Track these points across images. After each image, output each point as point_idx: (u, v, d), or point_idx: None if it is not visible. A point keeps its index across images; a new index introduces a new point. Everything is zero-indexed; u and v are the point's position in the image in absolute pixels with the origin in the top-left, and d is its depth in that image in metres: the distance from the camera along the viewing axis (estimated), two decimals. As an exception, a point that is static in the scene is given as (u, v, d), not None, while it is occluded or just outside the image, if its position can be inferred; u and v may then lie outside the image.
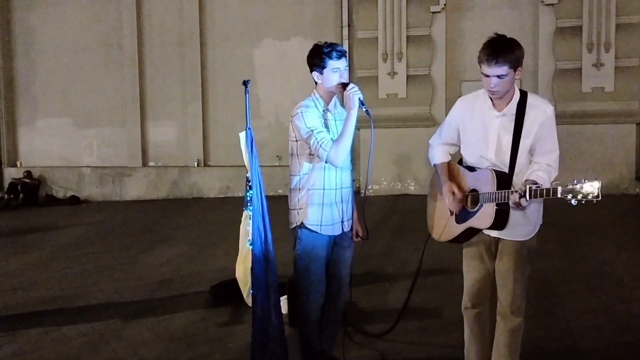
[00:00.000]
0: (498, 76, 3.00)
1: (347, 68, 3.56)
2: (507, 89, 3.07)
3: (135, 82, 12.28)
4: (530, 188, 2.87)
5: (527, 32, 10.57)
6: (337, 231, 3.61)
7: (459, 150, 3.41)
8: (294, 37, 11.37)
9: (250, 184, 3.60)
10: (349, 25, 11.18)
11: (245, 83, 3.60)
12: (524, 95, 3.13)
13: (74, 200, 12.42)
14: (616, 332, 4.40)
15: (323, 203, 3.54)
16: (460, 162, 3.42)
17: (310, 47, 3.57)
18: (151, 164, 12.50)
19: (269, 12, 11.62)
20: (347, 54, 3.62)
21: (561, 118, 9.91)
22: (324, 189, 3.55)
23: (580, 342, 4.26)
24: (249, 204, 3.62)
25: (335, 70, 3.46)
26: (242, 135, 3.60)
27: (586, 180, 2.74)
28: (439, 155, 3.45)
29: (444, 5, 10.66)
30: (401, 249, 6.94)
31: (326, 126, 3.52)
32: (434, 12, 10.72)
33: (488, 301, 3.39)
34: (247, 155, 3.60)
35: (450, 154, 3.47)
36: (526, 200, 2.90)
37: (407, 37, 10.84)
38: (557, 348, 4.18)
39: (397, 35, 10.86)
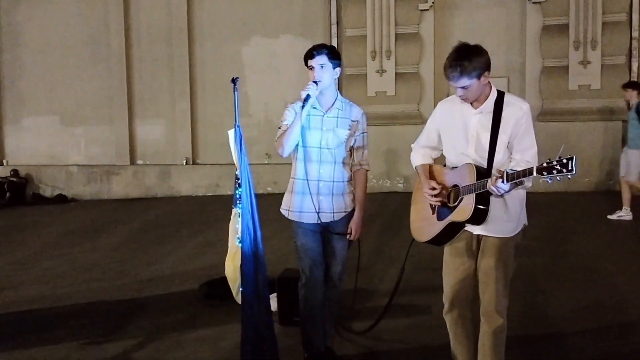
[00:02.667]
0: (462, 87, 3.10)
1: (325, 65, 3.62)
2: (476, 95, 3.16)
3: (123, 80, 12.21)
4: (506, 171, 2.91)
5: (514, 30, 10.64)
6: (308, 219, 3.71)
7: (441, 154, 3.46)
8: (283, 35, 11.34)
9: (239, 181, 3.61)
10: (337, 23, 11.17)
11: (234, 80, 3.61)
12: (500, 94, 3.22)
13: (62, 199, 12.33)
14: (603, 328, 4.45)
15: (293, 191, 3.75)
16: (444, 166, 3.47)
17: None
18: (139, 162, 12.43)
19: (257, 10, 11.58)
20: (328, 50, 3.68)
21: (548, 115, 10.16)
22: (295, 178, 3.75)
23: (566, 338, 4.30)
24: (238, 202, 3.63)
25: (311, 67, 3.64)
26: (231, 133, 3.61)
27: (561, 157, 2.77)
28: (420, 157, 3.50)
29: (432, 3, 10.69)
30: (390, 246, 6.97)
31: (307, 122, 3.67)
32: (422, 10, 10.75)
33: (470, 304, 3.39)
34: (236, 153, 3.61)
35: (432, 158, 3.51)
36: (502, 182, 2.91)
37: (396, 35, 10.85)
38: (544, 344, 4.21)
39: (385, 33, 10.87)
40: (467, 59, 3.06)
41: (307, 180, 3.65)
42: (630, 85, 8.48)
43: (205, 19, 11.91)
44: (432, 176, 3.41)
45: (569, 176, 2.75)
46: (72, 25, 12.43)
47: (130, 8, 12.16)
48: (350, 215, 3.80)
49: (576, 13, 10.17)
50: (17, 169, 12.70)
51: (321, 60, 3.60)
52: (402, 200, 9.77)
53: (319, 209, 3.69)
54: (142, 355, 4.28)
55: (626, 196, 8.05)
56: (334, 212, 3.73)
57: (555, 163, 2.76)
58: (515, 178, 2.89)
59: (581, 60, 10.22)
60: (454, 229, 3.27)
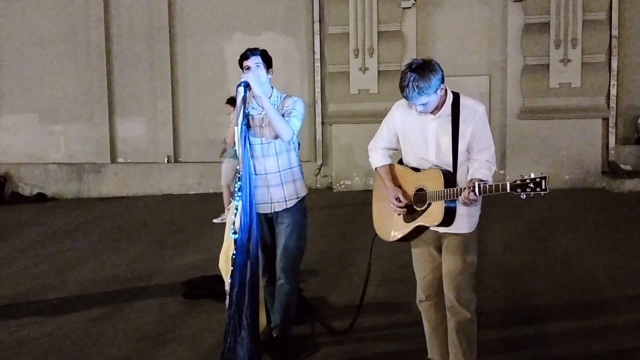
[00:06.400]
0: (422, 104, 3.16)
1: (260, 65, 3.89)
2: (435, 105, 3.21)
3: (103, 77, 12.06)
4: (479, 185, 3.02)
5: (496, 28, 10.69)
6: (265, 210, 3.93)
7: (398, 151, 3.50)
8: (266, 32, 11.24)
9: (240, 175, 3.77)
10: (320, 21, 11.12)
11: (244, 85, 3.74)
12: (456, 97, 3.26)
13: (41, 198, 12.17)
14: (583, 321, 4.49)
15: (255, 185, 3.89)
16: (400, 162, 3.49)
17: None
18: (120, 160, 12.31)
19: (239, 6, 11.50)
20: (261, 52, 3.96)
21: (529, 113, 10.24)
22: (252, 174, 3.85)
23: (548, 334, 4.32)
24: (237, 195, 3.73)
25: (247, 68, 3.87)
26: (237, 129, 3.78)
27: (533, 175, 2.90)
28: (380, 158, 3.52)
29: (415, 1, 10.71)
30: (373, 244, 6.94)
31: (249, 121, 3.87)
32: (404, 8, 10.76)
33: (443, 294, 3.45)
34: (240, 148, 3.76)
35: (390, 156, 3.54)
36: (475, 195, 3.02)
37: (378, 32, 10.85)
38: (526, 341, 4.23)
39: (368, 30, 10.86)
40: (424, 79, 3.08)
41: (255, 174, 3.85)
42: (228, 101, 8.68)
43: (186, 15, 11.80)
44: (394, 177, 3.43)
45: (542, 194, 2.87)
46: (52, 21, 12.25)
47: (111, 4, 12.02)
48: (301, 201, 3.98)
49: (557, 11, 10.24)
50: (-4, 167, 12.52)
51: (256, 60, 3.89)
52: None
53: (271, 199, 3.91)
54: (121, 356, 4.23)
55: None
56: (286, 200, 3.92)
57: (529, 181, 2.89)
58: (487, 192, 3.01)
59: (562, 58, 10.29)
60: (421, 230, 3.35)
